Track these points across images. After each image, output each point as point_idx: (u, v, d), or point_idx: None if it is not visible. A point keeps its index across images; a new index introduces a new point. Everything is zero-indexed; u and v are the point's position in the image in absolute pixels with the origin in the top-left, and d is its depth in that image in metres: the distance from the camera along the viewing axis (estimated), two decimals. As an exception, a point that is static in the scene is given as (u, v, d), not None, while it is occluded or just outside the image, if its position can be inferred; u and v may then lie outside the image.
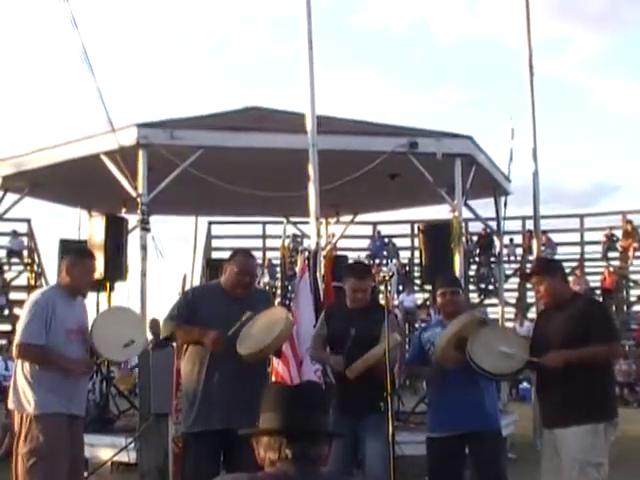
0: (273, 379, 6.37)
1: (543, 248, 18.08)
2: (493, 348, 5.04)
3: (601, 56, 50.06)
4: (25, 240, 22.11)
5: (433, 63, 51.69)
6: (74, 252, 5.76)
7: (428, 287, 18.42)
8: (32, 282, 20.94)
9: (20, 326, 5.20)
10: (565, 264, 8.36)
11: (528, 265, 20.39)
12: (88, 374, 5.66)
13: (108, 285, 9.68)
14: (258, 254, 21.44)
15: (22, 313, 5.31)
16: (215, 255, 20.47)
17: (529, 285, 21.00)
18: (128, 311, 6.20)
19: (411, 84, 56.01)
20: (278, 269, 19.26)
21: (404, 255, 23.89)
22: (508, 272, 21.61)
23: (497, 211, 11.83)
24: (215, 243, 22.52)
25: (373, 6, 52.73)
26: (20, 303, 17.02)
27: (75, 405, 5.29)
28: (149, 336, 8.98)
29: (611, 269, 22.70)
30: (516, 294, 22.63)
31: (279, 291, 15.41)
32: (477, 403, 5.26)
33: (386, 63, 53.85)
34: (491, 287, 22.00)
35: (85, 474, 6.92)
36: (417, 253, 16.31)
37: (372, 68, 54.98)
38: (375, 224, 23.27)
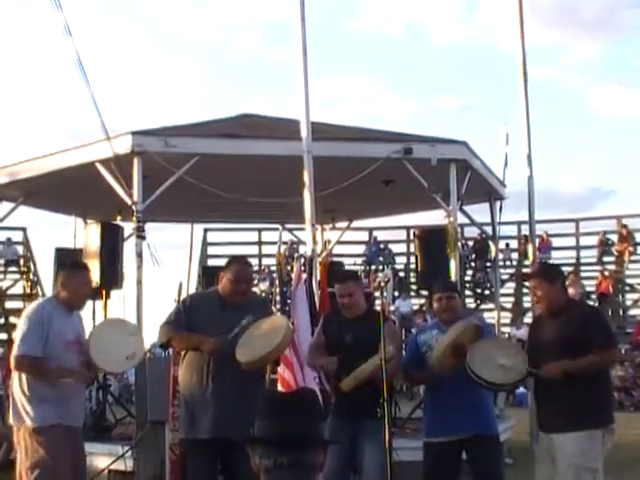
0: (279, 386, 6.33)
1: (538, 253, 18.14)
2: (492, 359, 5.04)
3: (596, 62, 50.28)
4: (21, 248, 22.08)
5: (428, 68, 51.79)
6: (69, 266, 5.78)
7: (424, 292, 18.41)
8: (28, 290, 20.90)
9: (17, 339, 5.22)
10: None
11: (525, 270, 20.43)
12: (87, 383, 5.65)
13: (104, 293, 9.65)
14: (254, 261, 21.43)
15: (19, 325, 5.33)
16: (211, 262, 20.47)
17: (525, 290, 21.06)
18: (124, 322, 6.21)
19: (406, 89, 56.15)
20: (275, 276, 19.25)
21: (400, 261, 23.92)
22: (504, 277, 21.61)
23: (492, 216, 11.83)
24: (211, 250, 22.52)
25: (368, 11, 52.88)
26: (16, 312, 16.96)
27: (72, 416, 5.31)
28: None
29: (607, 273, 22.71)
30: (512, 299, 22.64)
31: (278, 297, 15.40)
32: (474, 406, 5.27)
33: (381, 68, 54.00)
34: (487, 292, 22.00)
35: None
36: (413, 259, 16.33)
37: (367, 74, 55.11)
38: (371, 230, 23.29)
